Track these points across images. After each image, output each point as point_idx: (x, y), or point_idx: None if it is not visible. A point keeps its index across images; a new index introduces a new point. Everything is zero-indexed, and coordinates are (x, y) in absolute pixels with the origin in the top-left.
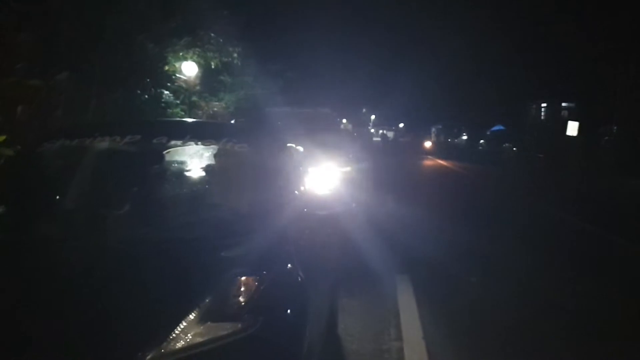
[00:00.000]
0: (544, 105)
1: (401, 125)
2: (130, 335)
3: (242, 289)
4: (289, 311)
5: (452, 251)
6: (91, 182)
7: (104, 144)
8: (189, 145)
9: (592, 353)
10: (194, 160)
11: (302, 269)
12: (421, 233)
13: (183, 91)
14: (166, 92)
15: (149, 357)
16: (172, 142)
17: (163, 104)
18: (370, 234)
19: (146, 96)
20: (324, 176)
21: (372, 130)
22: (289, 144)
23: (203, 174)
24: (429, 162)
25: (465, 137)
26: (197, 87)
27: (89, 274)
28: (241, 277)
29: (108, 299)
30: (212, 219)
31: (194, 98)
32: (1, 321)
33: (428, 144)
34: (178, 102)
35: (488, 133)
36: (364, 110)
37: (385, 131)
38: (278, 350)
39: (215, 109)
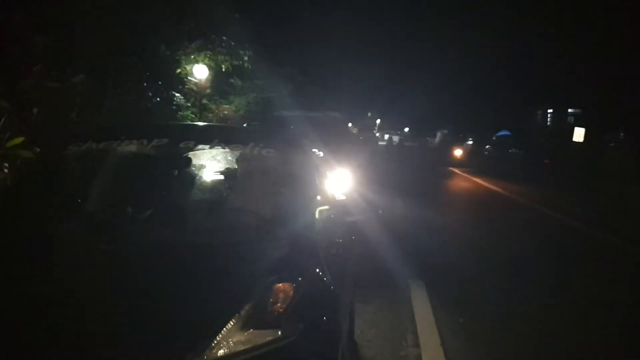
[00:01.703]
0: (550, 111)
1: (406, 129)
2: (172, 343)
3: (280, 295)
4: (325, 318)
5: (467, 255)
6: (118, 186)
7: (131, 147)
8: (217, 149)
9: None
10: (222, 164)
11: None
12: (435, 236)
13: (194, 94)
14: (177, 94)
15: None
16: (200, 146)
17: (174, 107)
18: (385, 238)
19: (158, 99)
20: (339, 181)
21: (378, 135)
22: (314, 149)
23: (231, 178)
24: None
25: (470, 142)
26: (208, 90)
27: (125, 281)
28: (278, 283)
29: (147, 306)
30: (241, 224)
31: (205, 101)
32: (35, 327)
33: (458, 153)
34: (189, 104)
35: (494, 138)
36: (369, 114)
37: (390, 135)
38: (318, 357)
39: (226, 112)
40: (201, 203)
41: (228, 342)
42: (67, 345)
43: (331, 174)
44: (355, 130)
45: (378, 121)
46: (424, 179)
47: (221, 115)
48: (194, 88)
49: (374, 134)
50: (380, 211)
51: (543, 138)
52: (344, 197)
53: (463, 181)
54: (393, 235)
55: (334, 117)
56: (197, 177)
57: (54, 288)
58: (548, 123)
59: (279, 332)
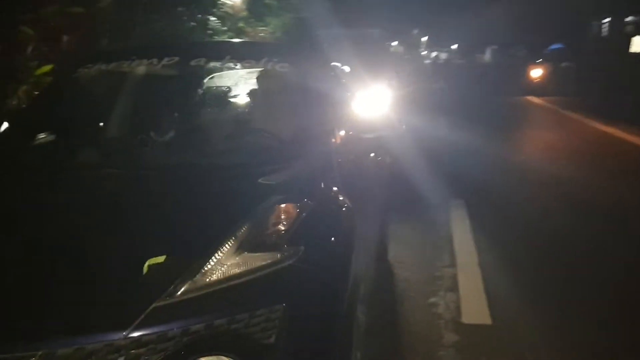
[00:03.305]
0: (606, 20)
1: (454, 46)
2: (162, 267)
3: (282, 217)
4: (332, 240)
5: (510, 177)
6: (128, 107)
7: (141, 67)
8: (229, 65)
9: None
10: (235, 82)
11: (348, 196)
12: (477, 159)
13: (229, 17)
14: (213, 18)
15: (181, 289)
16: (211, 64)
17: (210, 31)
18: (423, 159)
19: (192, 23)
20: (373, 99)
21: (424, 53)
22: (333, 63)
23: (244, 97)
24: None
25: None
26: (244, 13)
27: (121, 202)
28: (281, 204)
29: (138, 227)
30: (251, 144)
31: (241, 24)
32: (28, 247)
33: (537, 73)
34: (225, 28)
35: (547, 52)
36: (415, 31)
37: (437, 53)
38: (320, 281)
39: (262, 34)
40: (210, 123)
41: (222, 266)
42: (56, 260)
43: (364, 91)
44: (400, 49)
45: (425, 38)
46: (472, 99)
47: (257, 38)
48: (230, 11)
49: (420, 52)
50: (404, 126)
51: (598, 49)
52: (375, 115)
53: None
54: (432, 155)
55: (373, 34)
56: (207, 97)
57: (54, 207)
58: (604, 34)
59: (278, 255)
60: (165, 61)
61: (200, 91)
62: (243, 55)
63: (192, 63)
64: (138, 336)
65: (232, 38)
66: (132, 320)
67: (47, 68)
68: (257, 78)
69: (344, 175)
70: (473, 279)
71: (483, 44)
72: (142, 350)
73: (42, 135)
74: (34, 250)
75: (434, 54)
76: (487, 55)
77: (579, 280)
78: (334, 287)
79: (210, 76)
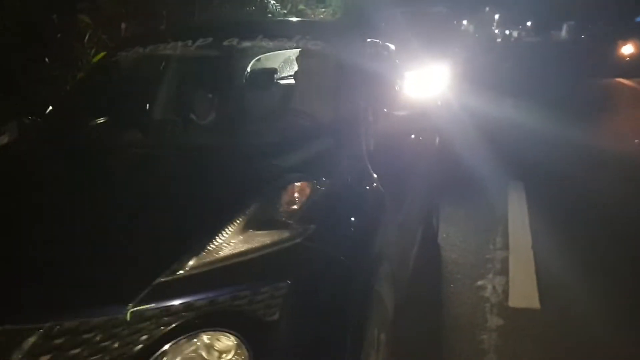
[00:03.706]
0: None
1: (528, 23)
2: (168, 242)
3: (296, 195)
4: (350, 219)
5: (573, 159)
6: (167, 89)
7: (176, 49)
8: (261, 44)
9: None
10: (267, 62)
11: (383, 175)
12: (540, 139)
13: (290, 0)
14: (272, 1)
15: (186, 265)
16: (244, 43)
17: (269, 15)
18: (479, 138)
19: (253, 7)
20: (426, 78)
21: (497, 31)
22: (371, 40)
23: (275, 77)
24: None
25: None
26: None
27: (140, 180)
28: (296, 183)
29: (151, 204)
30: (282, 125)
31: (301, 6)
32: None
33: (628, 50)
34: (285, 11)
35: (632, 25)
36: (487, 9)
37: (510, 31)
38: (330, 260)
39: (322, 15)
40: (249, 104)
41: (227, 243)
42: (67, 233)
43: (418, 70)
44: (471, 28)
45: (497, 16)
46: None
47: (317, 19)
48: None
49: (493, 30)
50: (439, 102)
51: None
52: (412, 93)
53: None
54: (494, 138)
55: (437, 12)
56: (248, 78)
57: (77, 181)
58: None
59: (287, 233)
60: (199, 42)
61: (240, 72)
62: (275, 33)
63: (225, 43)
64: (141, 310)
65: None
66: (136, 294)
67: (101, 55)
68: (295, 58)
69: (377, 154)
70: (525, 263)
71: (559, 20)
72: (145, 324)
73: (82, 118)
74: (47, 222)
75: (506, 32)
76: (564, 32)
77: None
78: (346, 266)
79: (255, 58)
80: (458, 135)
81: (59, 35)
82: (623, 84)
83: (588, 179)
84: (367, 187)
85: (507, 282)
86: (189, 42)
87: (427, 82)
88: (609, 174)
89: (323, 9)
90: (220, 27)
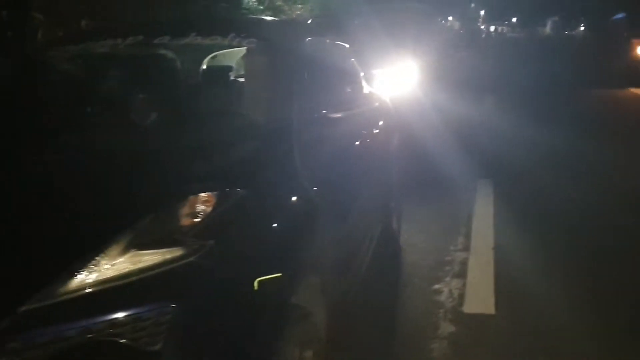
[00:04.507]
0: None
1: (514, 19)
2: (38, 264)
3: (197, 207)
4: (267, 232)
5: (545, 159)
6: (89, 90)
7: (105, 48)
8: (194, 42)
9: None
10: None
11: (323, 180)
12: (510, 138)
13: None
14: None
15: (57, 291)
16: (175, 41)
17: (244, 10)
18: (450, 137)
19: (226, 4)
20: (396, 76)
21: (482, 27)
22: (318, 37)
23: (207, 76)
24: None
25: (582, 28)
26: None
27: (34, 191)
28: (199, 193)
29: (18, 219)
30: (201, 126)
31: (279, 2)
32: None
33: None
34: (262, 7)
35: (609, 22)
36: (472, 5)
37: (495, 27)
38: (229, 280)
39: (298, 12)
40: (166, 104)
41: (107, 264)
42: None
43: (385, 69)
44: (457, 24)
45: (482, 12)
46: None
47: (294, 16)
48: None
49: (479, 27)
50: (407, 100)
51: None
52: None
53: None
54: (466, 136)
55: (415, 8)
56: (169, 76)
57: None
58: None
59: (177, 252)
60: (129, 40)
61: (169, 72)
62: (209, 31)
63: (156, 41)
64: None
65: (268, 17)
66: None
67: None
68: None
69: (316, 159)
70: (484, 265)
71: (543, 16)
72: None
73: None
74: None
75: (491, 27)
76: (548, 28)
77: (602, 279)
78: (248, 288)
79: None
80: (427, 133)
81: (9, 33)
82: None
83: (561, 182)
84: (294, 196)
85: (464, 286)
86: (119, 40)
87: (394, 80)
88: (583, 180)
89: (300, 5)
90: (151, 25)
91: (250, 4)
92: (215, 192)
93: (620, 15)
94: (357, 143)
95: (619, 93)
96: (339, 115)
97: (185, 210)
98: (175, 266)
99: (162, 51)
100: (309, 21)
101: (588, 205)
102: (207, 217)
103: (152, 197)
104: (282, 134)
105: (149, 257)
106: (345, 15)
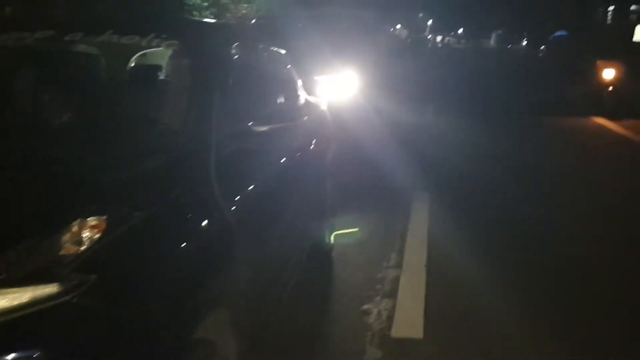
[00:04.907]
0: (611, 8)
1: (460, 30)
2: None
3: (84, 235)
4: (167, 263)
5: (486, 169)
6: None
7: (13, 40)
8: (109, 40)
9: None
10: (120, 60)
11: (246, 198)
12: (452, 147)
13: None
14: None
15: None
16: (89, 38)
17: (188, 7)
18: (389, 147)
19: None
20: (339, 84)
21: (429, 37)
22: (246, 43)
23: (134, 75)
24: None
25: (525, 44)
26: None
27: None
28: (86, 217)
29: None
30: (107, 135)
31: (225, 0)
32: None
33: (610, 74)
34: (206, 4)
35: (550, 39)
36: (420, 15)
37: (441, 37)
38: (111, 321)
39: (244, 11)
40: (74, 107)
41: None
42: None
43: (328, 76)
44: (404, 32)
45: (430, 22)
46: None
47: (239, 15)
48: None
49: (425, 36)
50: (346, 109)
51: (601, 38)
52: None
53: None
54: (405, 147)
55: (359, 16)
56: (80, 77)
57: None
58: (608, 21)
59: (52, 289)
60: (38, 34)
61: (77, 72)
62: (127, 29)
63: (67, 38)
64: None
65: (214, 14)
66: None
67: None
68: (143, 56)
69: (234, 175)
70: (416, 284)
71: (488, 29)
72: None
73: None
74: None
75: (438, 37)
76: (492, 40)
77: (539, 297)
78: (139, 330)
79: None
80: (367, 142)
81: None
82: (605, 129)
83: (499, 194)
84: (206, 218)
85: (393, 307)
86: (27, 34)
87: (337, 87)
88: (524, 191)
89: (246, 4)
90: (65, 19)
91: (195, 0)
92: (105, 217)
93: (561, 33)
94: (285, 158)
95: (579, 122)
96: (265, 127)
97: (67, 237)
98: (46, 307)
99: (82, 47)
100: (253, 21)
101: (525, 221)
102: (93, 246)
103: (31, 219)
104: (199, 147)
105: (16, 295)
106: (290, 19)
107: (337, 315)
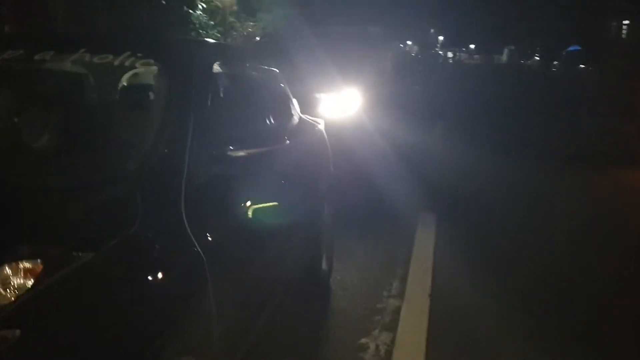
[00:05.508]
0: (626, 22)
1: (472, 46)
2: None
3: (11, 281)
4: (120, 311)
5: (493, 190)
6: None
7: None
8: (81, 59)
9: None
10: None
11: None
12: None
13: (219, 11)
14: (199, 12)
15: None
16: (61, 57)
17: (194, 26)
18: (394, 167)
19: (170, 18)
20: (342, 101)
21: (440, 52)
22: (232, 61)
23: (124, 95)
24: None
25: (537, 58)
26: (235, 7)
27: None
28: (18, 260)
29: None
30: (71, 161)
31: (231, 19)
32: None
33: None
34: (213, 23)
35: (563, 54)
36: (431, 31)
37: (452, 53)
38: None
39: (250, 29)
40: (61, 125)
41: None
42: None
43: (332, 93)
44: (415, 48)
45: (441, 38)
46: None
47: (245, 33)
48: (220, 5)
49: (437, 52)
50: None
51: (616, 52)
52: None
53: None
54: (411, 167)
55: (369, 32)
56: (76, 94)
57: None
58: (623, 36)
59: None
60: (7, 54)
61: (49, 92)
62: (100, 47)
63: (37, 57)
64: None
65: (221, 33)
66: None
67: None
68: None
69: (212, 204)
70: (418, 316)
71: (501, 45)
72: None
73: None
74: None
75: (449, 53)
76: (505, 56)
77: (549, 330)
78: None
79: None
80: (370, 161)
81: None
82: None
83: (507, 216)
84: (172, 258)
85: (392, 341)
86: None
87: (340, 104)
88: (531, 216)
89: (252, 23)
90: (35, 37)
91: (201, 18)
92: (39, 260)
93: (574, 47)
94: (271, 182)
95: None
96: (248, 151)
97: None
98: None
99: (69, 65)
100: (257, 39)
101: (534, 245)
102: (24, 295)
103: None
104: (168, 173)
105: None
106: (296, 37)
107: (330, 350)
